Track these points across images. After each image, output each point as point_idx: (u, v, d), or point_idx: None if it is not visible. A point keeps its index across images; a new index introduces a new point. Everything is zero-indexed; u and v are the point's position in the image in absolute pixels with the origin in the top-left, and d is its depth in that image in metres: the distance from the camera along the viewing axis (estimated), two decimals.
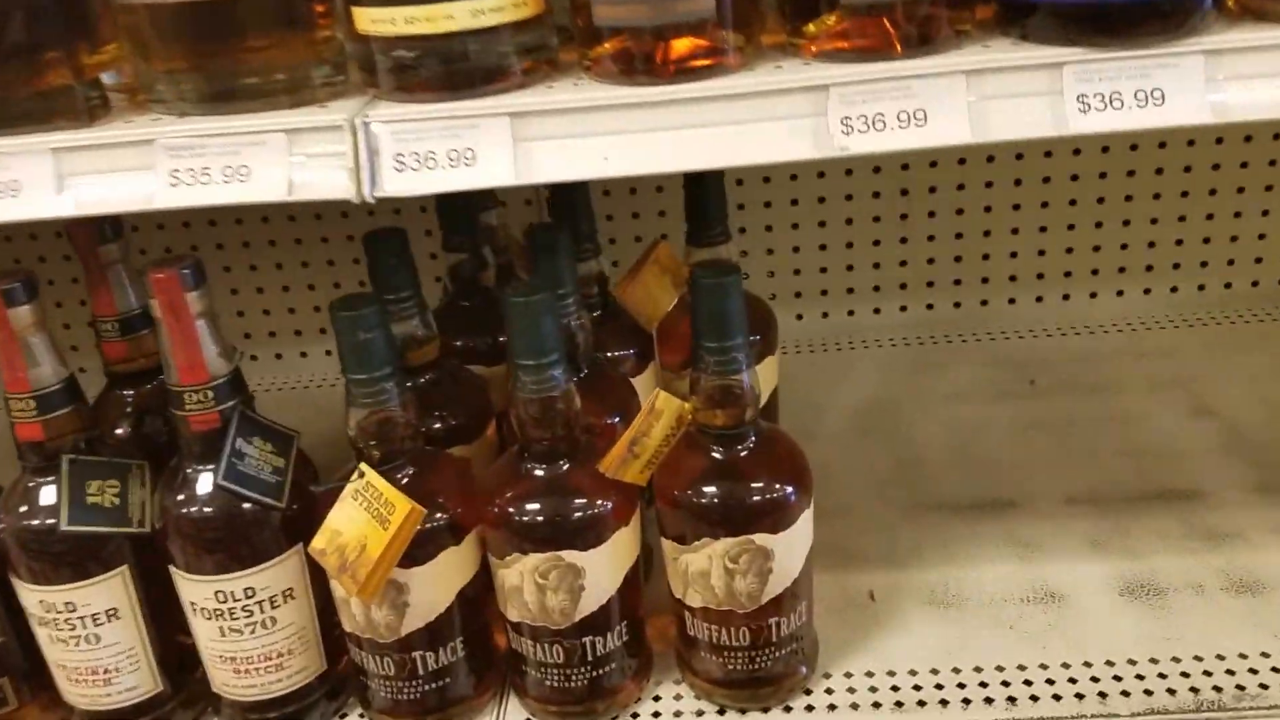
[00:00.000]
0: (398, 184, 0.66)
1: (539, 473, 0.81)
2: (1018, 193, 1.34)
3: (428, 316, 0.92)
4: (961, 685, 0.87)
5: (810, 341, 1.41)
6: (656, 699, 0.89)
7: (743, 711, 0.87)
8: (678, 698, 0.89)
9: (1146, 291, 1.40)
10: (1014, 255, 1.38)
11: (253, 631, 0.84)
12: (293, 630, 0.85)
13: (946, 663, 0.89)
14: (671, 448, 0.83)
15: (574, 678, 0.85)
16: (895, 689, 0.88)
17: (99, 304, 0.93)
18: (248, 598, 0.82)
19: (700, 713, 0.87)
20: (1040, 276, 1.39)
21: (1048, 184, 1.33)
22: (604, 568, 0.82)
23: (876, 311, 1.42)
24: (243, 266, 1.42)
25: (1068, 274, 1.39)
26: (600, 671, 0.85)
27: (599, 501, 0.81)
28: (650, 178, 1.28)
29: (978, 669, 0.88)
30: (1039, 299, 1.40)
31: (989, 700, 0.86)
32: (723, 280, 0.76)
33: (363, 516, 0.79)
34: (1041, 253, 1.37)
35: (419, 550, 0.80)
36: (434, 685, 0.85)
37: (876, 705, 0.86)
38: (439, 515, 0.81)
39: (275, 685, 0.86)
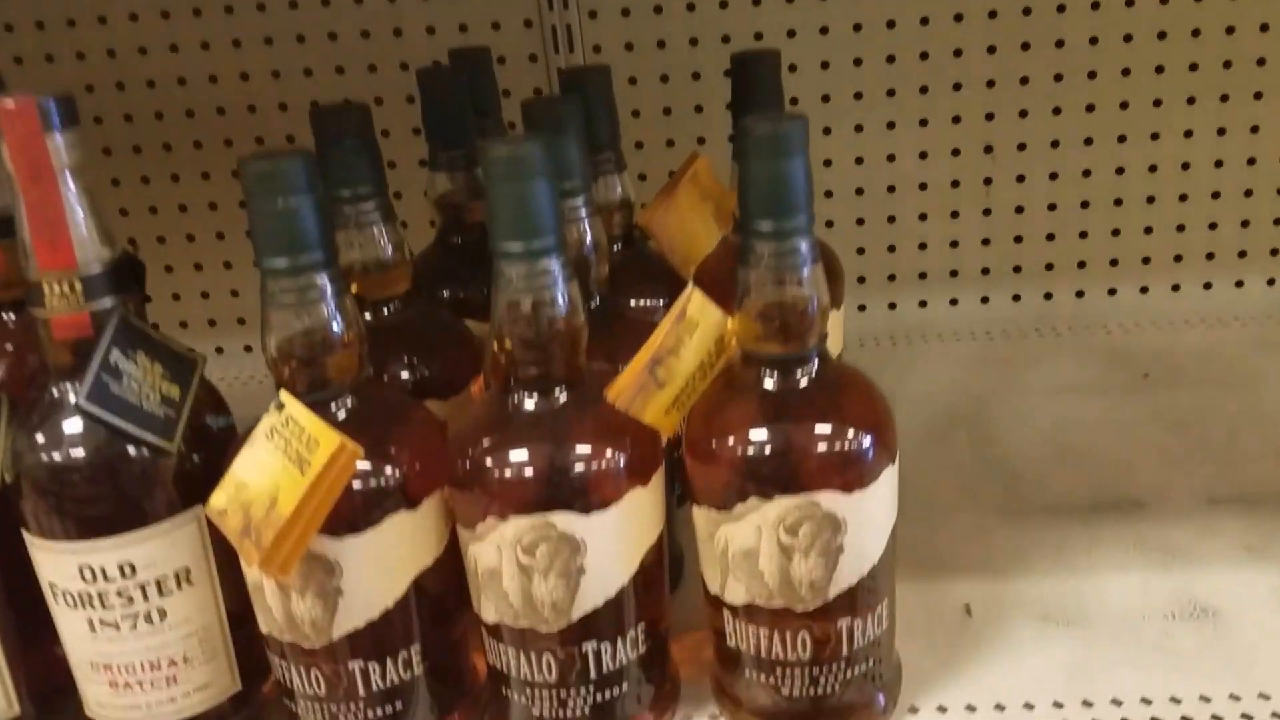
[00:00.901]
0: None
1: (527, 406, 0.59)
2: (1123, 151, 1.11)
3: (395, 229, 0.70)
4: None
5: (875, 337, 1.18)
6: None
7: None
8: None
9: (1270, 282, 1.17)
10: (1116, 234, 1.15)
11: (134, 627, 0.61)
12: (190, 630, 0.63)
13: (1074, 693, 0.66)
14: (708, 386, 0.61)
15: (571, 704, 0.62)
16: None
17: None
18: (125, 577, 0.60)
19: None
20: (1146, 261, 1.16)
21: (1156, 140, 1.11)
22: (612, 543, 0.59)
23: (953, 303, 1.19)
24: (163, 176, 1.20)
25: (1178, 258, 1.17)
26: (606, 695, 0.62)
27: (607, 448, 0.58)
28: (683, 59, 1.08)
29: (1116, 701, 0.65)
30: (1144, 289, 1.17)
31: None
32: (782, 129, 0.54)
33: (278, 462, 0.57)
34: (1149, 230, 1.15)
35: (357, 514, 0.58)
36: (379, 713, 0.62)
37: None
38: (387, 469, 0.59)
39: (166, 708, 0.64)
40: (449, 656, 0.65)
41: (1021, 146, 1.12)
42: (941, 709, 0.66)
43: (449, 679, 0.65)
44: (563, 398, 0.59)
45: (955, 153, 1.13)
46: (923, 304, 1.20)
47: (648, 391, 0.58)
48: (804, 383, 0.59)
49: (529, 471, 0.58)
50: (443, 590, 0.63)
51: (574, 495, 0.57)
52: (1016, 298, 1.19)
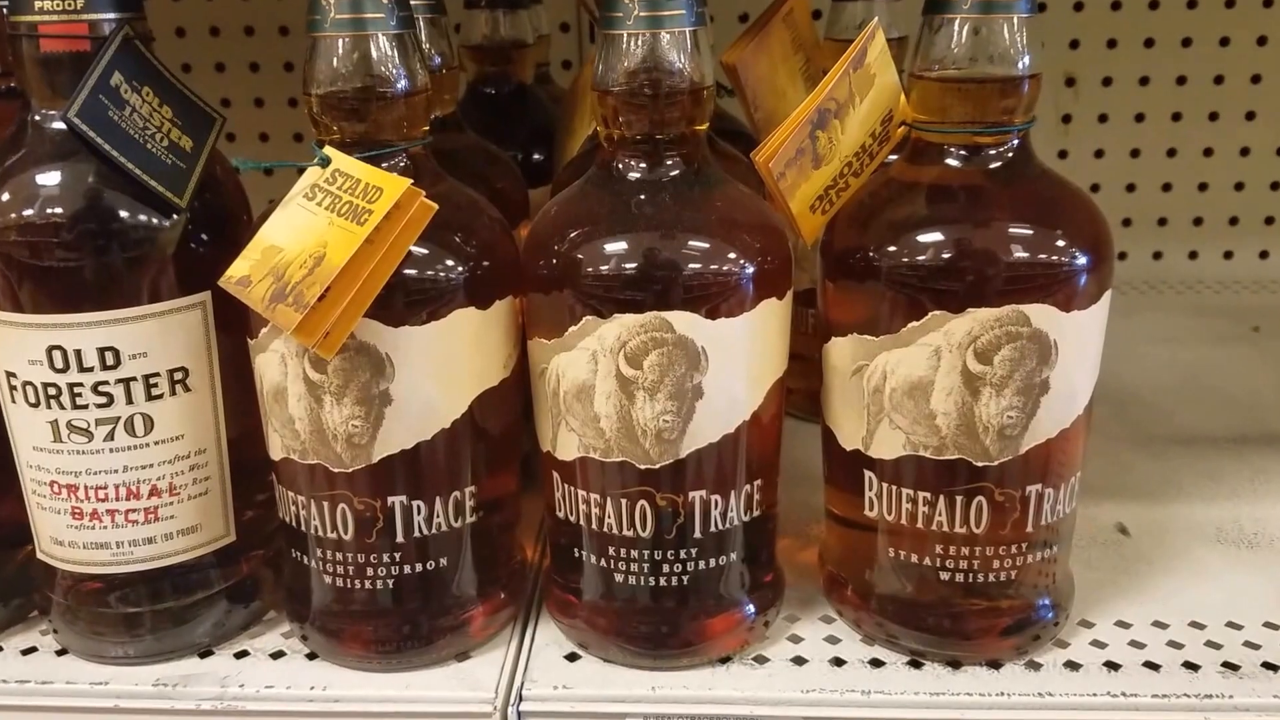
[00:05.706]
0: None
1: (632, 176, 0.46)
2: (1258, 92, 0.99)
3: (443, 23, 0.59)
4: None
5: None
6: (796, 640, 0.52)
7: (955, 665, 0.50)
8: (832, 640, 0.52)
9: None
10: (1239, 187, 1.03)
11: (110, 437, 0.47)
12: (182, 450, 0.49)
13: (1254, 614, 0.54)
14: (860, 186, 0.48)
15: (664, 571, 0.48)
16: (1215, 645, 0.51)
17: None
18: (106, 367, 0.46)
19: (877, 662, 0.50)
20: (1269, 221, 1.04)
21: (1256, 84, 0.99)
22: (739, 361, 0.46)
23: None
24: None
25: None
26: (705, 566, 0.48)
27: (739, 239, 0.45)
28: None
29: None
30: (1263, 254, 1.04)
31: None
32: None
33: (321, 220, 0.44)
34: (1276, 186, 1.02)
35: (418, 300, 0.45)
36: (415, 569, 0.49)
37: (1191, 666, 0.49)
38: (459, 245, 0.46)
39: (140, 550, 0.49)
40: (502, 514, 0.52)
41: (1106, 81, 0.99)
42: (1122, 624, 0.53)
43: (501, 536, 0.52)
44: (675, 169, 0.46)
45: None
46: None
47: (803, 164, 0.45)
48: (997, 167, 0.46)
49: (641, 255, 0.44)
50: (504, 428, 0.50)
51: (698, 295, 0.44)
52: (1122, 255, 1.06)
